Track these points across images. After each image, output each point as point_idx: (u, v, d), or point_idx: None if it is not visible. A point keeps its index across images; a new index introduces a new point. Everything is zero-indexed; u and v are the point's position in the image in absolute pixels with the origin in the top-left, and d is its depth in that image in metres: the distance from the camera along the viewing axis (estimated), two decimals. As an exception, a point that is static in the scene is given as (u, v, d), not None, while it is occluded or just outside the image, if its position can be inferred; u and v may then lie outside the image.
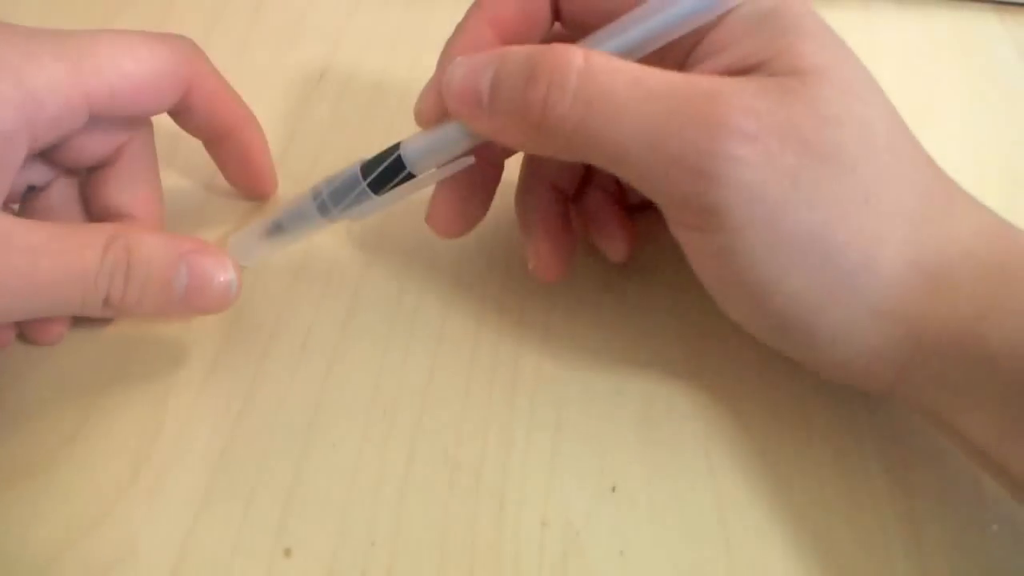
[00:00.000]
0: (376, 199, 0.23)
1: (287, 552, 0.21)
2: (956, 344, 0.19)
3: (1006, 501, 0.22)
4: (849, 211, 0.19)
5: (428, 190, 0.24)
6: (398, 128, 0.30)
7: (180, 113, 0.25)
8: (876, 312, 0.19)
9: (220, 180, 0.28)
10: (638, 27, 0.20)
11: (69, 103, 0.21)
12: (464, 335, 0.25)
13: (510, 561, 0.21)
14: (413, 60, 0.33)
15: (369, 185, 0.23)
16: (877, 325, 0.20)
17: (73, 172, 0.25)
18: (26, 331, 0.24)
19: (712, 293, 0.22)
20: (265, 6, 0.36)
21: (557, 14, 0.23)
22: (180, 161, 0.29)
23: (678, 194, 0.19)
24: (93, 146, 0.24)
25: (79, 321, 0.24)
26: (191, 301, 0.22)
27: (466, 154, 0.23)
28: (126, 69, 0.22)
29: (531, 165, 0.25)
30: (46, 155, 0.23)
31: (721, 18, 0.20)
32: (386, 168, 0.23)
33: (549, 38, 0.23)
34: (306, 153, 0.30)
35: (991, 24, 0.37)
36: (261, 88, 0.32)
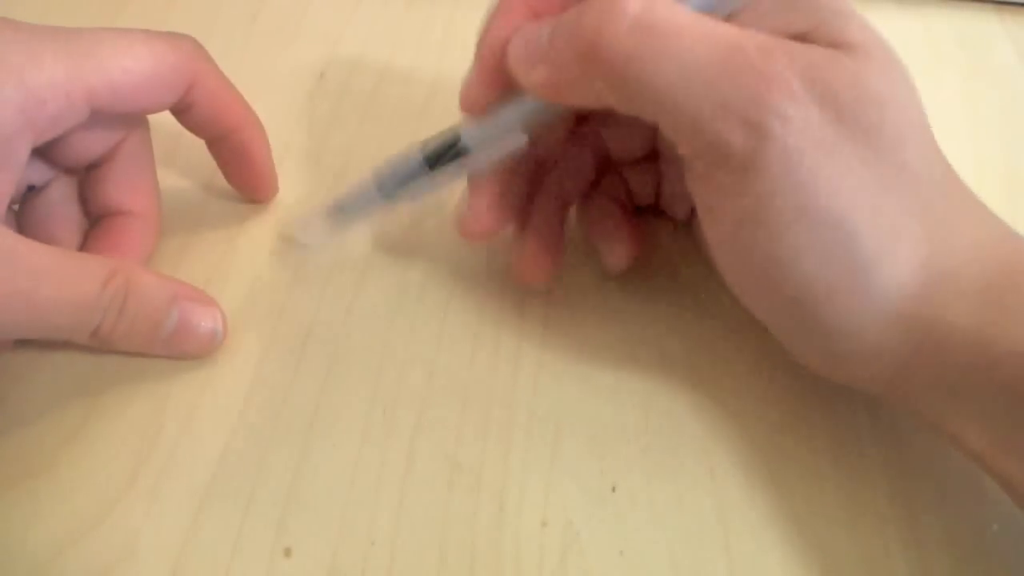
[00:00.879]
0: (431, 175, 0.23)
1: (287, 552, 0.21)
2: (959, 349, 0.19)
3: (1006, 501, 0.22)
4: (873, 199, 0.19)
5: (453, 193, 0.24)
6: (398, 128, 0.31)
7: (181, 111, 0.25)
8: (883, 308, 0.19)
9: (220, 181, 0.28)
10: None
11: (70, 100, 0.21)
12: (464, 335, 0.25)
13: (510, 561, 0.21)
14: (413, 60, 0.33)
15: (426, 160, 0.23)
16: (883, 321, 0.19)
17: (72, 171, 0.25)
18: None
19: (721, 267, 0.21)
20: (265, 6, 0.36)
21: None
22: (180, 161, 0.29)
23: (719, 143, 0.19)
24: (92, 144, 0.24)
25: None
26: (175, 343, 0.23)
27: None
28: (127, 66, 0.22)
29: (515, 171, 0.24)
30: (46, 154, 0.23)
31: None
32: (441, 144, 0.23)
33: None
34: (306, 153, 0.30)
35: (991, 24, 0.37)
36: (261, 88, 0.32)
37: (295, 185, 0.29)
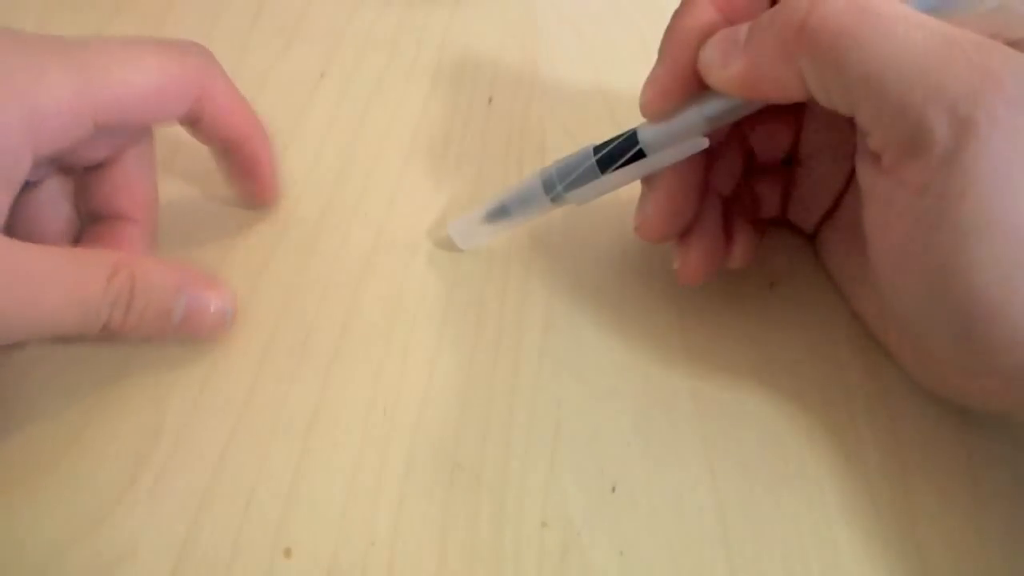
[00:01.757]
0: (602, 179, 0.23)
1: (287, 552, 0.21)
2: None
3: (1006, 501, 0.22)
4: None
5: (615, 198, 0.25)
6: (398, 128, 0.31)
7: (189, 123, 0.25)
8: None
9: (221, 182, 0.28)
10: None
11: (76, 117, 0.21)
12: (464, 335, 0.25)
13: (510, 561, 0.21)
14: (413, 60, 0.33)
15: (598, 163, 0.23)
16: None
17: (69, 171, 0.25)
18: None
19: (882, 271, 0.21)
20: (265, 6, 0.36)
21: None
22: (180, 161, 0.29)
23: (923, 130, 0.18)
24: (94, 151, 0.24)
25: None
26: (187, 328, 0.23)
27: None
28: (135, 81, 0.22)
29: (694, 171, 0.24)
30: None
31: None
32: (617, 146, 0.23)
33: None
34: (306, 153, 0.30)
35: (991, 24, 0.37)
36: (261, 88, 0.32)
37: (295, 185, 0.29)
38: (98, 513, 0.21)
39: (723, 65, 0.21)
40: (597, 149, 0.24)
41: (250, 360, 0.24)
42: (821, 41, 0.19)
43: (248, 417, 0.23)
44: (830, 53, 0.19)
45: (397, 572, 0.20)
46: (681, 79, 0.22)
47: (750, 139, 0.25)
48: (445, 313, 0.25)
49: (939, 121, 0.18)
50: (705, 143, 0.22)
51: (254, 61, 0.33)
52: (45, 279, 0.20)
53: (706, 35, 0.22)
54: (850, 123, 0.20)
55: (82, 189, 0.25)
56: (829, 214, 0.26)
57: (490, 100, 0.32)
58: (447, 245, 0.27)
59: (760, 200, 0.26)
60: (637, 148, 0.23)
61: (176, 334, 0.23)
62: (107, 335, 0.22)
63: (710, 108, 0.22)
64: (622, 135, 0.23)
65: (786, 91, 0.20)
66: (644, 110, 0.23)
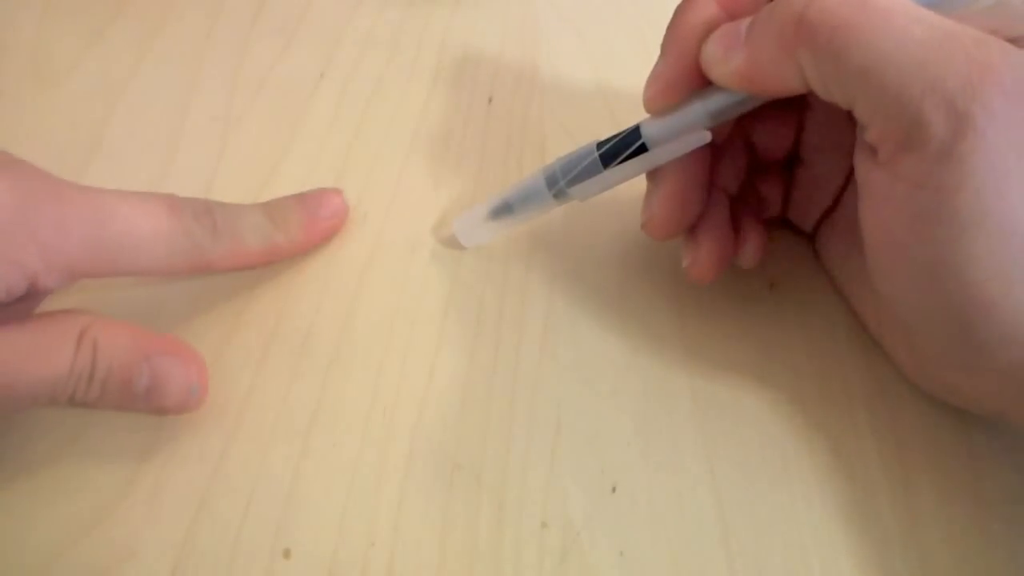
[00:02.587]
0: (604, 174, 0.24)
1: (287, 552, 0.21)
2: None
3: (1006, 501, 0.22)
4: None
5: (625, 193, 0.24)
6: (398, 128, 0.31)
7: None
8: None
9: (219, 182, 0.28)
10: None
11: (72, 277, 0.21)
12: (464, 335, 0.25)
13: (510, 561, 0.21)
14: (413, 60, 0.33)
15: (601, 158, 0.23)
16: None
17: None
18: None
19: (878, 266, 0.21)
20: (265, 6, 0.36)
21: None
22: (178, 166, 0.29)
23: (920, 123, 0.18)
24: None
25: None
26: (151, 401, 0.22)
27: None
28: (139, 247, 0.21)
29: (699, 166, 0.24)
30: None
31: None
32: (620, 141, 0.23)
33: None
34: (306, 153, 0.30)
35: (991, 24, 0.37)
36: (261, 88, 0.32)
37: (294, 186, 0.29)
38: (98, 513, 0.21)
39: (725, 60, 0.21)
40: (600, 144, 0.24)
41: (250, 360, 0.24)
42: (820, 34, 0.19)
43: (248, 417, 0.23)
44: (828, 46, 0.19)
45: (397, 572, 0.20)
46: (684, 74, 0.22)
47: (752, 136, 0.26)
48: (445, 313, 0.25)
49: (937, 115, 0.18)
50: (708, 136, 0.22)
51: (254, 61, 0.33)
52: (17, 355, 0.19)
53: (708, 30, 0.22)
54: (850, 119, 0.20)
55: None
56: (828, 213, 0.26)
57: (490, 100, 0.32)
58: (451, 243, 0.27)
59: (764, 200, 0.26)
60: (640, 143, 0.23)
61: (142, 407, 0.22)
62: (77, 405, 0.21)
63: (713, 103, 0.22)
64: (625, 130, 0.23)
65: (786, 84, 0.20)
66: (647, 105, 0.23)
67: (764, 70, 0.20)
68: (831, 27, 0.19)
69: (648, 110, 0.23)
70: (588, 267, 0.27)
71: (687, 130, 0.22)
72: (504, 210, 0.25)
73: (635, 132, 0.23)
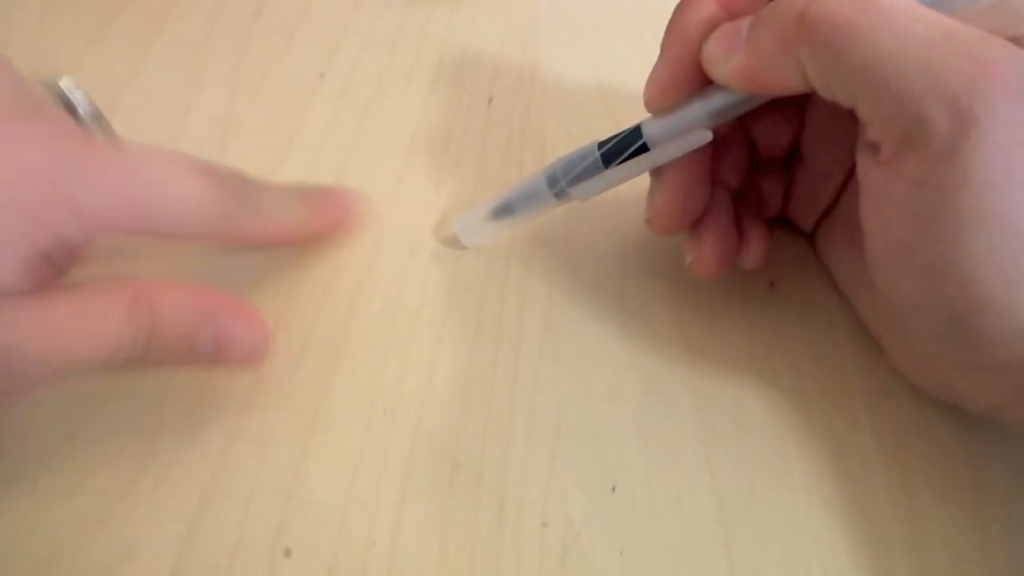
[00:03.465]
0: (605, 173, 0.24)
1: (287, 552, 0.21)
2: None
3: (1006, 501, 0.22)
4: None
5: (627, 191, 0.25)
6: (398, 128, 0.31)
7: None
8: None
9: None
10: None
11: (97, 231, 0.20)
12: (464, 335, 0.25)
13: (510, 561, 0.21)
14: (413, 60, 0.33)
15: (602, 157, 0.23)
16: None
17: None
18: None
19: (878, 264, 0.21)
20: (265, 6, 0.36)
21: None
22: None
23: (922, 122, 0.18)
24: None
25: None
26: (216, 359, 0.21)
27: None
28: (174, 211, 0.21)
29: (702, 161, 0.24)
30: None
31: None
32: (620, 141, 0.23)
33: None
34: (306, 153, 0.30)
35: (991, 24, 0.37)
36: (261, 88, 0.32)
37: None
38: (98, 513, 0.21)
39: (725, 59, 0.21)
40: (601, 144, 0.24)
41: (250, 360, 0.24)
42: (821, 32, 0.19)
43: (248, 417, 0.23)
44: (830, 44, 0.19)
45: (397, 572, 0.20)
46: (685, 74, 0.22)
47: (753, 132, 0.26)
48: (445, 313, 0.25)
49: (939, 113, 0.18)
50: (709, 136, 0.22)
51: (254, 61, 0.33)
52: (67, 326, 0.19)
53: (708, 29, 0.22)
54: (851, 117, 0.20)
55: None
56: (828, 211, 0.26)
57: (490, 100, 0.32)
58: (452, 243, 0.27)
59: (765, 198, 0.26)
60: (641, 142, 0.23)
61: (207, 365, 0.22)
62: (130, 369, 0.20)
63: (714, 103, 0.22)
64: (626, 130, 0.23)
65: (787, 83, 0.20)
66: (648, 105, 0.23)
67: (765, 69, 0.20)
68: (832, 26, 0.19)
69: (649, 109, 0.23)
70: (588, 267, 0.27)
71: (688, 129, 0.22)
72: (505, 210, 0.25)
73: (636, 132, 0.23)
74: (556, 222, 0.28)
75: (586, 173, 0.24)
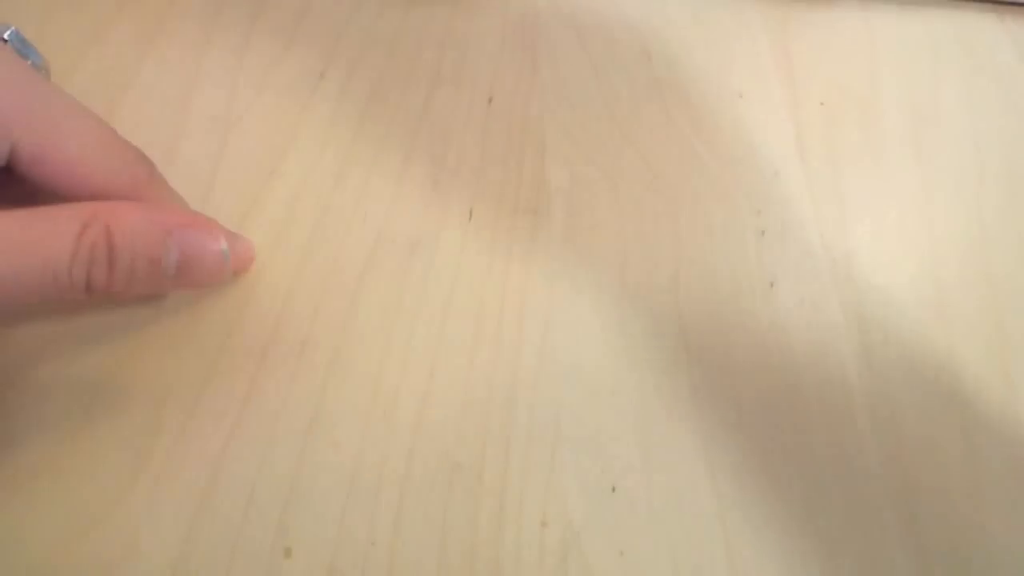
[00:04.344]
0: None
1: (287, 552, 0.21)
2: None
3: (1006, 501, 0.22)
4: None
5: None
6: (398, 128, 0.31)
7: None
8: None
9: (217, 183, 0.28)
10: None
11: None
12: (463, 335, 0.25)
13: (510, 561, 0.21)
14: (413, 60, 0.33)
15: None
16: None
17: None
18: None
19: None
20: (265, 6, 0.36)
21: None
22: (177, 166, 0.29)
23: None
24: None
25: (78, 320, 0.24)
26: (184, 277, 0.21)
27: None
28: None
29: None
30: None
31: None
32: None
33: None
34: (306, 153, 0.30)
35: (991, 25, 0.37)
36: (261, 88, 0.32)
37: (294, 186, 0.29)
38: (98, 513, 0.21)
39: None
40: None
41: (250, 360, 0.24)
42: None
43: (248, 417, 0.23)
44: None
45: (397, 572, 0.20)
46: None
47: None
48: (445, 313, 0.25)
49: None
50: None
51: (254, 61, 0.33)
52: (6, 244, 0.18)
53: None
54: None
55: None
56: None
57: (490, 100, 0.32)
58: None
59: None
60: None
61: (175, 286, 0.21)
62: (98, 297, 0.20)
63: None
64: None
65: None
66: None
67: None
68: None
69: None
70: (588, 267, 0.27)
71: None
72: None
73: None
74: (556, 222, 0.28)
75: None
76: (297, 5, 0.36)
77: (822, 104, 0.32)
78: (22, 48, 0.27)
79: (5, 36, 0.27)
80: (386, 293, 0.26)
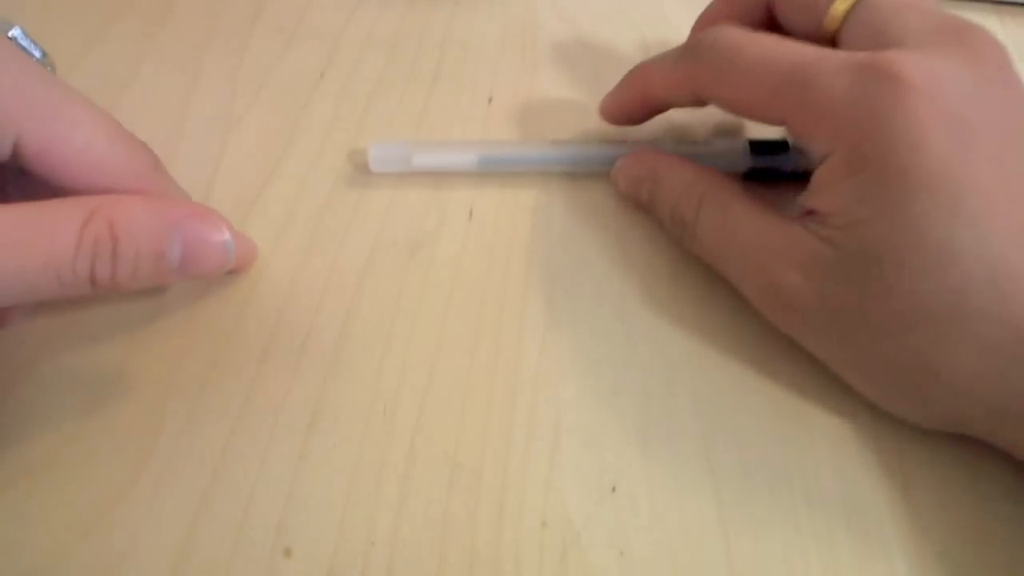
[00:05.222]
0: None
1: (287, 552, 0.21)
2: None
3: (1006, 501, 0.22)
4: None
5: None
6: (398, 128, 0.31)
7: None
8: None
9: (217, 184, 0.28)
10: None
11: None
12: (464, 335, 0.25)
13: (510, 561, 0.21)
14: (413, 60, 0.33)
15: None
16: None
17: None
18: None
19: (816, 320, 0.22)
20: (265, 6, 0.36)
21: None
22: (178, 163, 0.29)
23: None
24: None
25: (78, 320, 0.24)
26: (188, 269, 0.21)
27: None
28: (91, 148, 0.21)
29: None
30: None
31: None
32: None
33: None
34: (306, 153, 0.30)
35: (991, 24, 0.37)
36: (261, 88, 0.32)
37: (294, 185, 0.29)
38: (98, 513, 0.21)
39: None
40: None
41: (250, 360, 0.24)
42: None
43: (248, 417, 0.23)
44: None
45: (397, 572, 0.20)
46: (626, 110, 0.28)
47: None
48: (445, 313, 0.25)
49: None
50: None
51: (254, 61, 0.33)
52: (8, 240, 0.18)
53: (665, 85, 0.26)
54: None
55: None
56: None
57: (490, 100, 0.32)
58: (361, 168, 0.28)
59: None
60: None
61: (179, 277, 0.21)
62: (103, 291, 0.20)
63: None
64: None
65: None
66: (601, 110, 0.28)
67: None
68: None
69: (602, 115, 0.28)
70: (588, 266, 0.27)
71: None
72: (422, 156, 0.28)
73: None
74: (556, 221, 0.28)
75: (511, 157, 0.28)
76: (297, 5, 0.36)
77: (822, 104, 0.32)
78: (27, 46, 0.28)
79: (10, 34, 0.27)
80: (386, 293, 0.26)
